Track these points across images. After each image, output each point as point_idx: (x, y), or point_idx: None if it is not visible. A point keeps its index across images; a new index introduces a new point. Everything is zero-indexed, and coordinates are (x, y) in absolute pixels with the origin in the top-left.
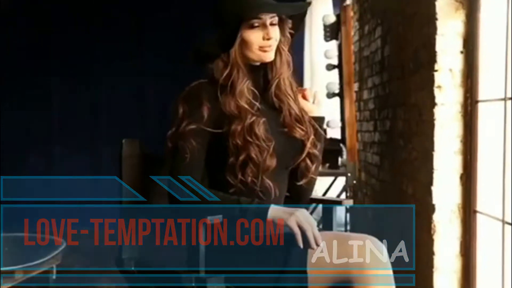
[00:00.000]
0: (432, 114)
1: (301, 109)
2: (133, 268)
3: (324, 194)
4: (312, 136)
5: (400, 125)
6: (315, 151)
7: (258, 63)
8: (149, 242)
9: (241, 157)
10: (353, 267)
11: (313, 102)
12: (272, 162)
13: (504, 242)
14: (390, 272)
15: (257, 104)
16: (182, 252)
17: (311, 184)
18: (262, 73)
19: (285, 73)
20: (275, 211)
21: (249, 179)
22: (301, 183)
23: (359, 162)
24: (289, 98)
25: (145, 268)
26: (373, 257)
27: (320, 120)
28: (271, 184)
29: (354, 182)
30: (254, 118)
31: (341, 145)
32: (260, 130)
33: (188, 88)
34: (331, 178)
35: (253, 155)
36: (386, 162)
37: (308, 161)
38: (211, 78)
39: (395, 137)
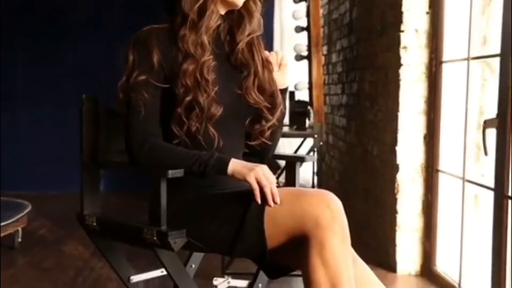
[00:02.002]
0: (397, 75)
1: (269, 80)
2: (94, 224)
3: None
4: (269, 105)
5: (367, 87)
6: (271, 118)
7: (231, 9)
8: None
9: (188, 98)
10: (310, 222)
11: (279, 69)
12: (217, 110)
13: (464, 199)
14: (346, 227)
15: (216, 50)
16: (141, 203)
17: (267, 147)
18: (230, 26)
19: (257, 32)
20: (235, 165)
21: (193, 125)
22: (253, 143)
23: (326, 125)
24: (258, 62)
25: (106, 223)
26: (329, 212)
27: (283, 91)
28: (215, 133)
29: (321, 143)
30: (209, 59)
31: (309, 107)
32: (209, 74)
33: (138, 33)
34: (300, 140)
35: (200, 100)
36: (353, 124)
37: (264, 124)
38: (172, 18)
39: (362, 99)
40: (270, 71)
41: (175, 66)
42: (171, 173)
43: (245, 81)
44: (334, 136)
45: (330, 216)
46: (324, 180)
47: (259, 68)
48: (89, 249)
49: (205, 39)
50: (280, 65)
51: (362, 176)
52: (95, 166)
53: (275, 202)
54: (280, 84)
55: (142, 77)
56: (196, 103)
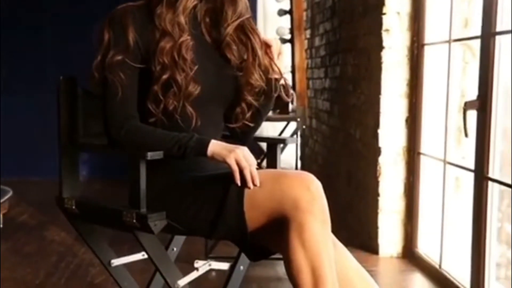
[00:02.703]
0: (379, 58)
1: (267, 62)
2: (73, 207)
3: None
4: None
5: (349, 71)
6: (254, 102)
7: None
8: (94, 185)
9: (165, 77)
10: (289, 204)
11: (277, 57)
12: (195, 89)
13: (445, 181)
14: (326, 209)
15: (193, 31)
16: (124, 190)
17: (248, 130)
18: (212, 8)
19: (246, 15)
20: (215, 147)
21: (171, 104)
22: (233, 126)
23: (310, 109)
24: (256, 43)
25: (86, 207)
26: (309, 194)
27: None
28: (192, 112)
29: (304, 127)
30: (186, 39)
31: (292, 91)
32: (188, 53)
33: (113, 10)
34: (284, 124)
35: (177, 77)
36: (336, 108)
37: (245, 107)
38: None
39: (344, 82)
40: (267, 55)
41: (151, 44)
42: (150, 155)
43: (244, 63)
44: (317, 120)
45: (310, 198)
46: (307, 164)
47: (258, 50)
48: (71, 235)
49: (182, 19)
50: (278, 54)
51: (345, 159)
52: (74, 149)
53: (254, 185)
54: (277, 73)
55: (118, 57)
56: (174, 81)
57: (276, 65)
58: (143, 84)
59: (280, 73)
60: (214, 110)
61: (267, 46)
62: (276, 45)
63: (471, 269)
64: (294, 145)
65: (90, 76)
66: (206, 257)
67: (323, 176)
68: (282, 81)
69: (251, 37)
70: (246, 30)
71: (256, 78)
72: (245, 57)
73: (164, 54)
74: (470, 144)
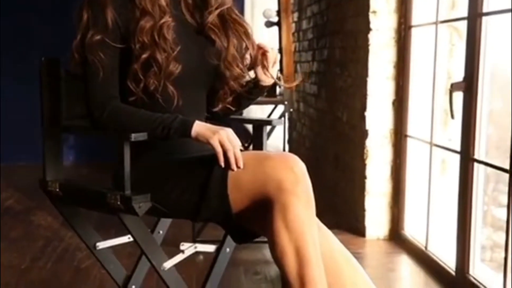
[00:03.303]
0: (366, 40)
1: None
2: (57, 190)
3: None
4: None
5: (337, 54)
6: (236, 88)
7: None
8: (81, 170)
9: (145, 56)
10: (273, 186)
11: (272, 66)
12: (176, 68)
13: (432, 163)
14: (310, 190)
15: (174, 11)
16: (108, 173)
17: (230, 113)
18: None
19: (227, 4)
20: (199, 128)
21: (152, 83)
22: (216, 109)
23: (297, 93)
24: (235, 35)
25: (69, 189)
26: (292, 175)
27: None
28: (174, 91)
29: (291, 110)
30: (167, 20)
31: (279, 74)
32: (169, 34)
33: None
34: (271, 107)
35: (157, 57)
36: (323, 91)
37: (227, 90)
38: None
39: (332, 65)
40: (262, 62)
41: (131, 23)
42: (134, 136)
43: (223, 52)
44: (305, 103)
45: (294, 179)
46: (294, 147)
47: (241, 40)
48: (58, 220)
49: (163, 1)
50: (273, 63)
51: (332, 142)
52: (57, 131)
53: (238, 167)
54: (269, 82)
55: (97, 37)
56: (154, 61)
57: (270, 74)
58: (123, 63)
59: (273, 80)
60: (196, 91)
61: (263, 53)
62: (272, 54)
63: (456, 251)
64: (282, 128)
65: (71, 57)
66: (193, 240)
67: (310, 160)
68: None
69: (232, 26)
70: (228, 20)
71: (236, 70)
72: (226, 45)
73: (144, 34)
74: (456, 126)
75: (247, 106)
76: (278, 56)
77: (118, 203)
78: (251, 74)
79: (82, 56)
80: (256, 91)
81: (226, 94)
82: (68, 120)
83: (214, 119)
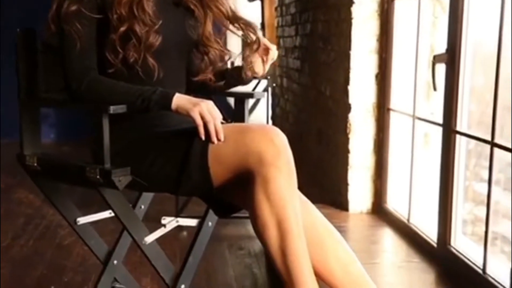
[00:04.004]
0: (349, 13)
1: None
2: (35, 165)
3: None
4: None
5: (320, 27)
6: (216, 59)
7: None
8: (62, 147)
9: (123, 29)
10: (253, 158)
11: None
12: (156, 40)
13: (414, 137)
14: (291, 162)
15: None
16: (87, 147)
17: (207, 85)
18: None
19: None
20: (179, 100)
21: (131, 56)
22: (196, 79)
23: (280, 68)
24: (214, 11)
25: (48, 163)
26: (273, 147)
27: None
28: (154, 64)
29: (274, 85)
30: None
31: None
32: (148, 6)
33: None
34: (254, 82)
35: (136, 29)
36: (306, 66)
37: (207, 59)
38: None
39: (315, 39)
40: (262, 57)
41: None
42: (113, 109)
43: (201, 25)
44: (288, 79)
45: (274, 151)
46: (278, 123)
47: (212, 16)
48: (39, 197)
49: None
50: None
51: (315, 117)
52: (34, 104)
53: (218, 139)
54: (261, 73)
55: (73, 7)
56: (132, 33)
57: (264, 69)
58: (101, 34)
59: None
60: (176, 63)
61: (265, 49)
62: (272, 53)
63: (438, 223)
64: (265, 104)
65: (46, 27)
66: (176, 216)
67: (294, 135)
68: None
69: (211, 5)
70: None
71: (214, 44)
72: (203, 20)
73: (122, 6)
74: (439, 99)
75: (232, 87)
76: (276, 54)
77: (98, 177)
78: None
79: (58, 27)
80: (243, 79)
81: (207, 65)
82: (46, 93)
83: (196, 92)
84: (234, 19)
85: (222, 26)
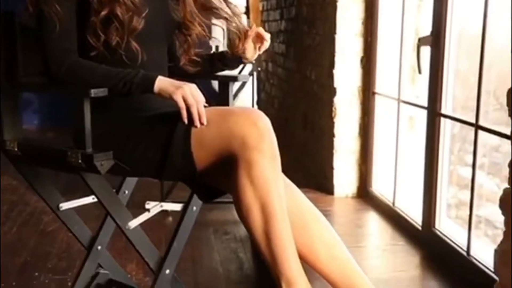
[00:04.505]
0: None
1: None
2: (16, 150)
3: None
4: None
5: (305, 11)
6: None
7: None
8: (47, 133)
9: (104, 13)
10: (237, 142)
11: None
12: (139, 23)
13: (399, 120)
14: (275, 146)
15: None
16: (68, 131)
17: (197, 67)
18: None
19: None
20: (162, 83)
21: (114, 39)
22: (182, 63)
23: (265, 53)
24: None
25: (28, 148)
26: (256, 131)
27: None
28: (138, 48)
29: (259, 69)
30: None
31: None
32: None
33: None
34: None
35: (118, 13)
36: (291, 50)
37: (189, 40)
38: None
39: (300, 23)
40: (255, 45)
41: None
42: (94, 92)
43: (184, 9)
44: (273, 63)
45: (257, 135)
46: (263, 108)
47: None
48: (23, 184)
49: None
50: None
51: (301, 102)
52: (14, 88)
53: (201, 123)
54: (251, 60)
55: None
56: (114, 17)
57: (254, 55)
58: (82, 15)
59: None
60: (158, 46)
61: (259, 37)
62: (267, 43)
63: (423, 206)
64: (250, 89)
65: (24, 9)
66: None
67: (279, 120)
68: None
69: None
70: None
71: (197, 27)
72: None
73: None
74: (423, 83)
75: (219, 72)
76: (269, 43)
77: (79, 161)
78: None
79: (37, 8)
80: (232, 62)
81: (190, 47)
82: (25, 77)
83: (180, 76)
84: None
85: (208, 11)
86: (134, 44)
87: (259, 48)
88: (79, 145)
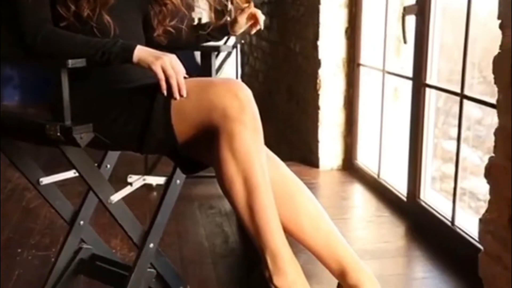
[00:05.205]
0: None
1: None
2: None
3: (217, 54)
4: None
5: None
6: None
7: None
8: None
9: None
10: (218, 114)
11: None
12: None
13: (384, 91)
14: (257, 117)
15: None
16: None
17: (176, 38)
18: None
19: None
20: (141, 52)
21: (85, 11)
22: (156, 33)
23: None
24: None
25: (5, 121)
26: (237, 102)
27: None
28: (110, 21)
29: (243, 41)
30: None
31: (229, 4)
32: None
33: None
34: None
35: None
36: (275, 22)
37: (165, 10)
38: None
39: None
40: (248, 22)
41: None
42: (72, 62)
43: None
44: (257, 36)
45: (239, 106)
46: (247, 82)
47: None
48: (5, 160)
49: None
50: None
51: (285, 74)
52: None
53: (181, 95)
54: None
55: None
56: None
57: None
58: None
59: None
60: (132, 18)
61: (253, 18)
62: (259, 26)
63: (408, 177)
64: (234, 63)
65: None
66: None
67: (264, 93)
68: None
69: None
70: None
71: (174, 4)
72: None
73: None
74: (408, 54)
75: (203, 43)
76: (262, 27)
77: (58, 134)
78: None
79: None
80: (218, 34)
81: (165, 17)
82: (5, 48)
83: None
84: None
85: None
86: (106, 17)
87: (251, 28)
88: (58, 118)
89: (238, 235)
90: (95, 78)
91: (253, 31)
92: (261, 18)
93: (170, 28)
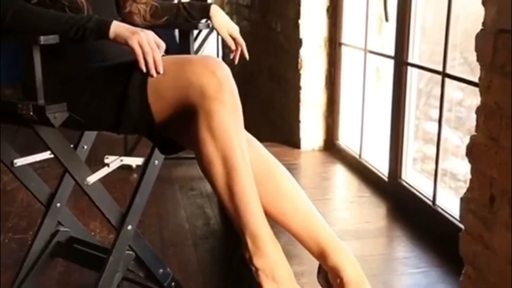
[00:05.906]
0: None
1: None
2: None
3: (197, 34)
4: None
5: None
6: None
7: None
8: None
9: None
10: (195, 92)
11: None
12: None
13: (366, 70)
14: (235, 95)
15: None
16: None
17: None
18: None
19: None
20: (117, 28)
21: None
22: (127, 10)
23: (230, 5)
24: None
25: None
26: (215, 80)
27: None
28: (83, 2)
29: None
30: None
31: None
32: None
33: None
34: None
35: None
36: (256, 1)
37: None
38: None
39: None
40: None
41: None
42: (44, 39)
43: None
44: (238, 15)
45: (217, 84)
46: (229, 62)
47: None
48: None
49: None
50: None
51: (266, 55)
52: None
53: (158, 72)
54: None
55: None
56: None
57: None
58: None
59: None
60: None
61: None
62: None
63: (389, 157)
64: (215, 44)
65: None
66: None
67: (245, 74)
68: None
69: None
70: None
71: None
72: None
73: None
74: (390, 34)
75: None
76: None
77: (31, 113)
78: None
79: None
80: (198, 14)
81: None
82: None
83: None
84: None
85: None
86: None
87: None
88: (31, 97)
89: (220, 217)
90: (70, 56)
91: (235, 59)
92: (245, 50)
93: (143, 5)
